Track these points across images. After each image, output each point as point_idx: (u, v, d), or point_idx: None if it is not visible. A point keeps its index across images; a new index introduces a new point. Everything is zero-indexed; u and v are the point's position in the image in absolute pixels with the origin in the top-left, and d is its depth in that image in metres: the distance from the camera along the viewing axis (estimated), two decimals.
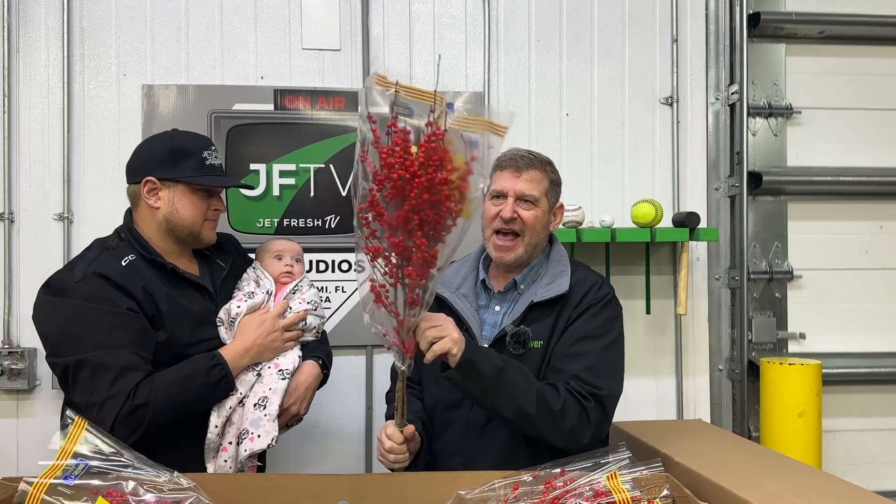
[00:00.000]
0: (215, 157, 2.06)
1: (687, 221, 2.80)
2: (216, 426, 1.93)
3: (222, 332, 2.04)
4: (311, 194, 2.90)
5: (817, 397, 2.86)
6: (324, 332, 2.28)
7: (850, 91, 3.27)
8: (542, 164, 2.00)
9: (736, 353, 3.23)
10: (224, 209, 2.13)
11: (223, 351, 1.96)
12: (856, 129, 3.27)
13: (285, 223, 2.88)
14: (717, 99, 3.24)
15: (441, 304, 1.95)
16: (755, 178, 3.15)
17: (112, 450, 1.46)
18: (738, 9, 3.17)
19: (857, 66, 3.28)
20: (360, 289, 1.76)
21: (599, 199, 3.03)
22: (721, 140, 3.25)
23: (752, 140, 3.20)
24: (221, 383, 1.92)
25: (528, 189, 1.94)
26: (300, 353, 2.12)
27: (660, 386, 3.10)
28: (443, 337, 1.70)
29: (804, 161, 3.26)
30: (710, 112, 3.21)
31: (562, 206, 2.08)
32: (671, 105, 3.12)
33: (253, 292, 2.11)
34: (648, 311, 3.01)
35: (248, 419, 1.95)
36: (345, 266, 2.92)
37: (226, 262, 2.17)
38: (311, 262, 2.88)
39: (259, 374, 2.02)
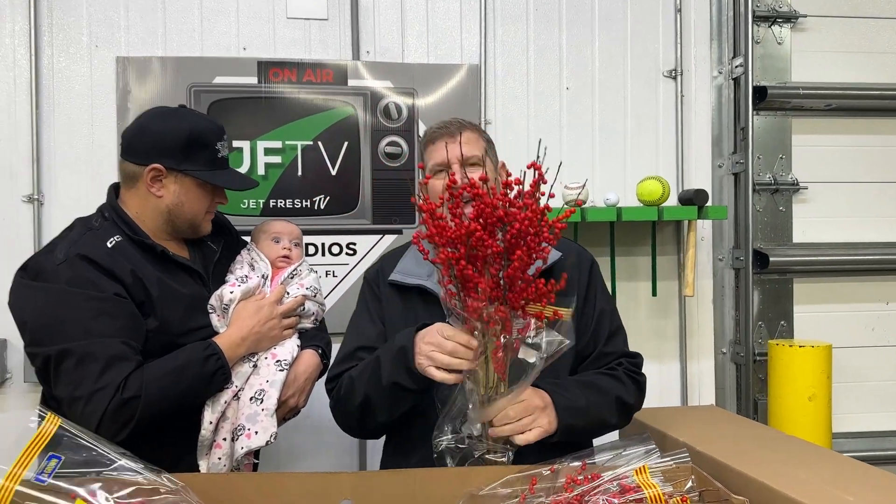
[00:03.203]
0: (226, 148, 1.99)
1: (695, 199, 2.76)
2: (210, 422, 1.86)
3: (214, 319, 1.96)
4: (299, 173, 2.82)
5: (828, 380, 2.85)
6: (323, 319, 2.21)
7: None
8: (472, 125, 1.95)
9: (740, 336, 3.21)
10: (226, 201, 2.06)
11: (218, 340, 1.88)
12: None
13: (271, 204, 2.80)
14: (720, 73, 3.20)
15: (423, 294, 1.87)
16: (761, 258, 3.16)
17: (90, 448, 1.35)
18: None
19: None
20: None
21: (601, 177, 2.98)
22: (724, 116, 3.22)
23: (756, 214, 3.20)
24: (217, 375, 1.84)
25: (470, 150, 1.84)
26: (299, 343, 2.05)
27: (663, 370, 3.07)
28: (532, 429, 1.62)
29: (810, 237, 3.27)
30: (713, 86, 3.17)
31: (503, 164, 1.97)
32: (675, 78, 3.07)
33: (247, 276, 2.03)
34: (654, 294, 2.98)
35: (245, 414, 1.88)
36: (335, 249, 2.84)
37: (217, 245, 2.09)
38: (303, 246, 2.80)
39: (255, 366, 1.94)
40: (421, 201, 1.54)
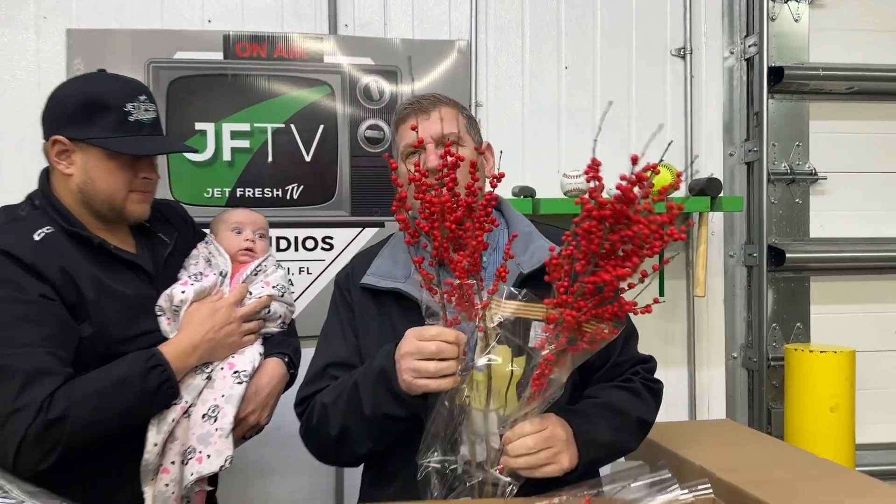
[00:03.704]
0: (144, 109, 1.68)
1: (707, 189, 2.52)
2: (155, 444, 1.62)
3: (163, 323, 1.72)
4: (269, 159, 2.56)
5: (851, 389, 2.62)
6: (292, 322, 1.96)
7: None
8: (450, 101, 1.73)
9: (752, 340, 2.98)
10: (157, 177, 1.78)
11: (164, 348, 1.63)
12: None
13: (238, 193, 2.55)
14: (731, 53, 2.97)
15: (400, 299, 1.64)
16: (775, 254, 2.88)
17: None
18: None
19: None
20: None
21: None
22: (736, 100, 2.99)
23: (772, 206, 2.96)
24: (162, 390, 1.60)
25: (446, 127, 1.62)
26: (261, 350, 1.80)
27: (670, 377, 2.83)
28: (552, 464, 1.41)
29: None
30: (724, 68, 2.94)
31: (489, 144, 1.77)
32: (683, 57, 2.83)
33: (202, 273, 1.79)
34: (662, 294, 2.74)
35: (196, 434, 1.64)
36: (310, 244, 2.59)
37: (170, 237, 1.84)
38: (269, 238, 2.54)
39: (209, 378, 1.70)
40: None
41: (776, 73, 2.88)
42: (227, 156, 2.54)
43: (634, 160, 1.20)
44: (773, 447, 1.98)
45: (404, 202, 1.38)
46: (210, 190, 2.53)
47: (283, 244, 2.57)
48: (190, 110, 2.52)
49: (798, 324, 2.97)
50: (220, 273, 1.80)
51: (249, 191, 2.55)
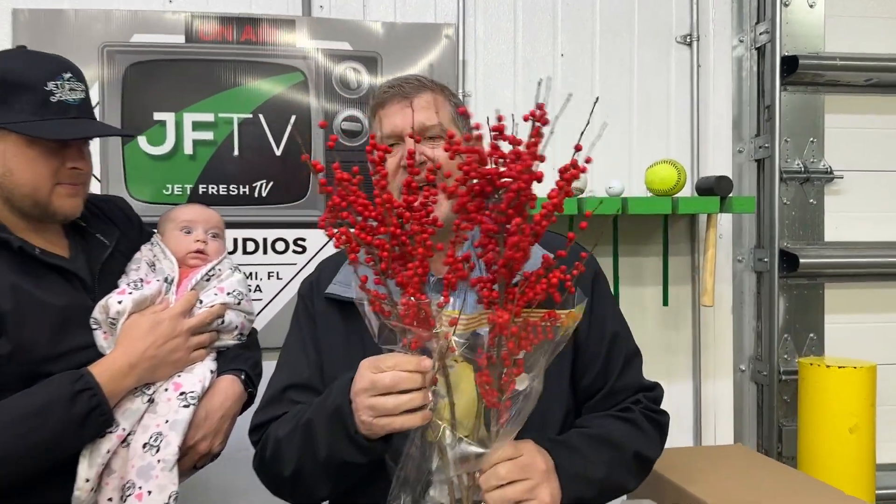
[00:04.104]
0: (70, 88, 1.46)
1: (716, 188, 2.31)
2: (87, 479, 1.41)
3: (99, 338, 1.51)
4: (235, 153, 2.34)
5: (871, 407, 2.42)
6: (253, 331, 1.75)
7: None
8: (436, 86, 1.53)
9: (762, 351, 2.77)
10: (88, 168, 1.56)
11: (96, 368, 1.42)
12: None
13: (201, 190, 2.33)
14: (740, 41, 2.76)
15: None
16: (787, 259, 2.72)
17: None
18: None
19: None
20: None
21: (603, 160, 2.52)
22: (745, 92, 2.79)
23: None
24: (92, 416, 1.39)
25: (429, 118, 1.43)
26: (214, 367, 1.59)
27: (674, 391, 2.63)
28: (529, 500, 1.19)
29: None
30: (733, 57, 2.73)
31: (481, 136, 1.56)
32: (690, 45, 2.63)
33: (143, 280, 1.57)
34: (666, 303, 2.53)
35: (135, 466, 1.43)
36: (280, 246, 2.37)
37: (110, 238, 1.62)
38: (235, 240, 2.33)
39: (151, 400, 1.49)
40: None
41: (789, 64, 2.68)
42: (188, 149, 2.32)
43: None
44: (790, 479, 1.78)
45: (336, 210, 1.13)
46: (170, 186, 2.31)
47: (251, 246, 2.36)
48: (148, 99, 2.30)
49: (811, 334, 2.76)
50: (166, 279, 1.59)
51: (213, 187, 2.33)
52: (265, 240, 2.37)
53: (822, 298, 2.79)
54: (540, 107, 1.05)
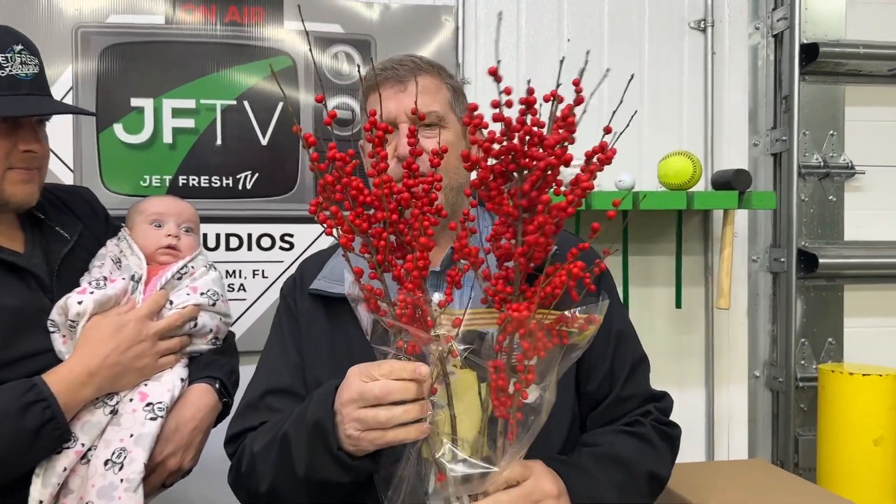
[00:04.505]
0: (21, 62, 1.31)
1: (734, 182, 2.16)
2: (40, 501, 1.27)
3: (58, 342, 1.37)
4: (218, 142, 2.19)
5: None
6: (230, 335, 1.60)
7: None
8: (433, 67, 1.41)
9: (777, 356, 2.63)
10: (43, 151, 1.41)
11: (51, 376, 1.28)
12: None
13: (181, 182, 2.18)
14: (756, 28, 2.62)
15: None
16: (805, 259, 2.57)
17: None
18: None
19: None
20: None
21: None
22: (761, 82, 2.64)
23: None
24: (45, 431, 1.25)
25: (426, 104, 1.31)
26: (184, 375, 1.44)
27: (685, 399, 2.48)
28: None
29: None
30: (749, 45, 2.59)
31: (481, 117, 1.45)
32: (704, 30, 2.48)
33: (107, 278, 1.42)
34: (679, 305, 2.38)
35: (96, 486, 1.29)
36: (266, 242, 2.22)
37: (71, 231, 1.48)
38: (217, 236, 2.19)
39: (114, 412, 1.35)
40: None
41: (808, 52, 2.54)
42: (167, 137, 2.17)
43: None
44: (813, 498, 1.64)
45: (330, 194, 1.01)
46: (147, 178, 2.16)
47: (234, 242, 2.21)
48: (125, 84, 2.15)
49: (830, 339, 2.62)
50: (132, 277, 1.44)
51: (194, 179, 2.18)
52: (250, 235, 2.22)
53: (842, 301, 2.64)
54: (575, 82, 0.96)
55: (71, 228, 1.47)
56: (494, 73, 0.96)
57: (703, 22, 2.47)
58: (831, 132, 2.62)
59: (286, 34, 2.22)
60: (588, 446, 1.30)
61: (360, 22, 2.27)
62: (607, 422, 1.36)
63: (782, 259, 2.59)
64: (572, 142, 0.95)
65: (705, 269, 2.48)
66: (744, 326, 2.56)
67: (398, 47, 2.27)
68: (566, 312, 0.99)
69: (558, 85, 1.06)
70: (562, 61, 0.99)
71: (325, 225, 1.00)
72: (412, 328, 1.00)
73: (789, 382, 2.57)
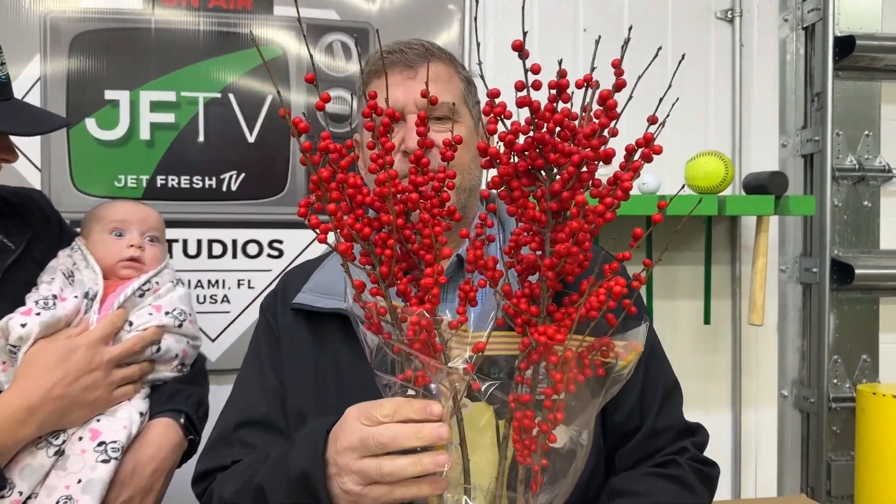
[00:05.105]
0: None
1: (770, 185, 1.96)
2: None
3: None
4: (200, 139, 1.99)
5: None
6: (199, 360, 1.40)
7: None
8: (445, 55, 1.28)
9: (808, 375, 2.42)
10: (12, 155, 1.23)
11: None
12: None
13: (159, 182, 1.97)
14: (784, 21, 2.41)
15: (347, 325, 1.09)
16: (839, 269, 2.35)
17: None
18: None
19: None
20: None
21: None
22: (789, 78, 2.43)
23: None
24: None
25: (438, 93, 1.12)
26: (144, 409, 1.24)
27: (710, 421, 2.24)
28: None
29: None
30: (778, 37, 2.39)
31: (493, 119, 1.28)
32: (731, 21, 2.27)
33: (56, 296, 1.22)
34: (708, 321, 2.17)
35: None
36: (252, 249, 2.02)
37: (17, 240, 1.28)
38: (199, 242, 1.98)
39: (60, 453, 1.16)
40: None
41: (841, 46, 2.33)
42: (144, 133, 1.96)
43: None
44: None
45: (324, 192, 0.83)
46: (122, 178, 1.96)
47: (218, 249, 2.00)
48: (98, 75, 1.95)
49: (864, 356, 2.41)
50: (86, 294, 1.24)
51: (174, 179, 1.98)
52: (235, 241, 2.01)
53: (877, 315, 2.43)
54: (615, 63, 0.86)
55: (16, 236, 1.28)
56: (520, 48, 0.78)
57: (730, 12, 2.26)
58: (866, 132, 2.41)
59: (276, 21, 2.02)
60: (623, 495, 1.11)
61: (357, 8, 2.07)
62: (638, 459, 1.18)
63: (814, 269, 2.38)
64: (614, 133, 0.77)
65: (732, 281, 2.27)
66: (773, 343, 2.35)
67: (399, 36, 2.06)
68: (602, 339, 0.80)
69: (593, 68, 0.89)
70: (626, 42, 0.84)
71: (317, 230, 0.83)
72: (426, 357, 0.81)
73: (821, 403, 2.36)
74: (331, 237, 0.84)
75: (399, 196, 0.83)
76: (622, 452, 1.19)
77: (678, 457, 1.18)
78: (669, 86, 0.89)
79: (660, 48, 0.96)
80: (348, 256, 0.83)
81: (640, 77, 0.81)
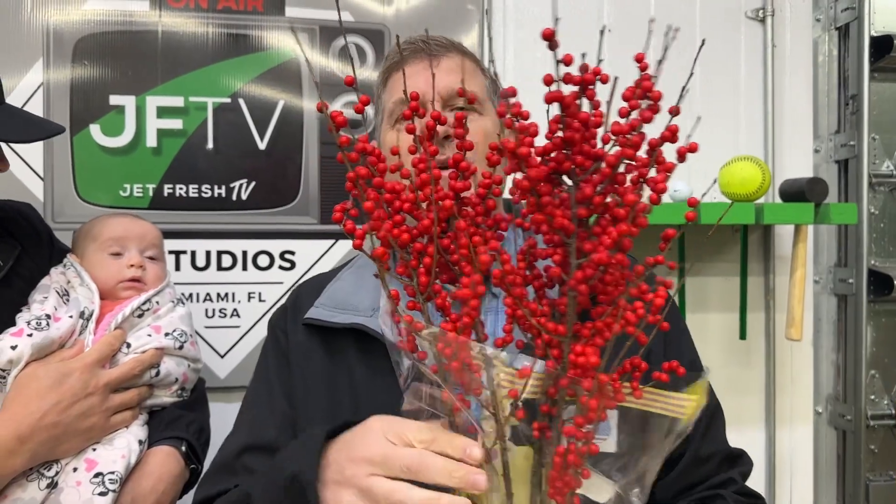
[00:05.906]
0: None
1: (808, 193, 1.85)
2: None
3: None
4: (209, 146, 1.91)
5: None
6: (199, 384, 1.31)
7: None
8: (468, 50, 1.23)
9: (844, 391, 2.31)
10: (2, 163, 1.15)
11: None
12: None
13: (167, 191, 1.89)
14: (817, 20, 2.31)
15: (362, 341, 1.04)
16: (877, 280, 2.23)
17: None
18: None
19: None
20: None
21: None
22: (822, 80, 2.33)
23: None
24: None
25: (463, 83, 1.10)
26: (143, 436, 1.15)
27: (743, 441, 2.15)
28: None
29: None
30: (811, 37, 2.28)
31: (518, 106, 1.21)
32: (763, 20, 2.17)
33: (50, 316, 1.13)
34: (743, 336, 2.07)
35: None
36: (263, 261, 1.93)
37: (5, 257, 1.20)
38: (207, 253, 1.90)
39: (53, 485, 1.07)
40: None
41: (878, 46, 2.22)
42: (151, 140, 1.88)
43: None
44: None
45: (361, 192, 0.75)
46: (128, 187, 1.87)
47: (227, 261, 1.92)
48: (103, 79, 1.87)
49: None
50: (81, 314, 1.15)
51: (181, 188, 1.89)
52: (245, 253, 1.93)
53: None
54: (639, 57, 0.76)
55: (4, 253, 1.19)
56: (550, 37, 0.68)
57: (762, 11, 2.16)
58: None
59: (288, 22, 1.94)
60: None
61: (372, 9, 1.98)
62: (680, 490, 1.09)
63: (850, 280, 2.27)
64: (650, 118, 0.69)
65: (766, 293, 2.17)
66: (809, 358, 2.24)
67: (413, 35, 1.98)
68: (656, 391, 0.70)
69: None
70: (668, 33, 0.75)
71: (352, 235, 0.74)
72: (468, 380, 0.72)
73: (858, 421, 2.24)
74: (367, 244, 0.75)
75: (438, 202, 0.74)
76: (664, 482, 1.09)
77: (723, 490, 1.08)
78: (691, 74, 0.79)
79: (701, 46, 0.86)
80: (384, 261, 0.74)
81: (659, 65, 0.71)
